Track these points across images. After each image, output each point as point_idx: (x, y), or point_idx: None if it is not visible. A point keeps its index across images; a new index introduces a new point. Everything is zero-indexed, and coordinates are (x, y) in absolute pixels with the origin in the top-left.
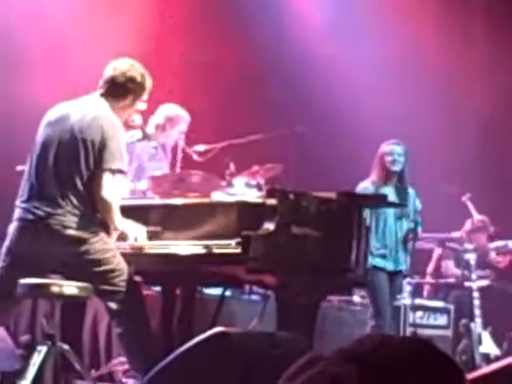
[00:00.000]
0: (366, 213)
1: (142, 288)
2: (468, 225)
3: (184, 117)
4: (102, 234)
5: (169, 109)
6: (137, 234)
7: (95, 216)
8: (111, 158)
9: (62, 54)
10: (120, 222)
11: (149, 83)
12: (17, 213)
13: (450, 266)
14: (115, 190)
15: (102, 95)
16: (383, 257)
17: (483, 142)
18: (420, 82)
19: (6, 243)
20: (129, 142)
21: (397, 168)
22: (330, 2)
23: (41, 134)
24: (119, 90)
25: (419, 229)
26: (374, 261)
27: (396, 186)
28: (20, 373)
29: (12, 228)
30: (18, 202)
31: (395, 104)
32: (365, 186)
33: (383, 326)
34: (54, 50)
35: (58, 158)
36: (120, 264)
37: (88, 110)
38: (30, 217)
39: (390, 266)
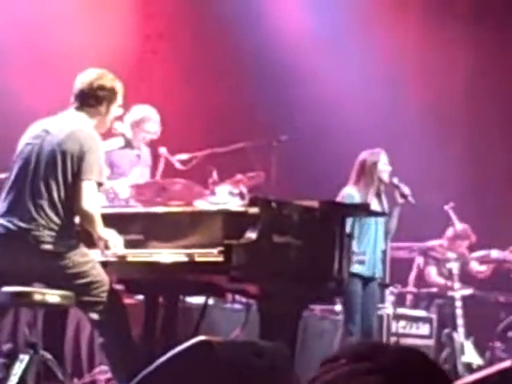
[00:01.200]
0: (349, 220)
1: (124, 297)
2: (449, 232)
3: (151, 115)
4: (80, 247)
5: (137, 109)
6: (116, 243)
7: (72, 229)
8: (90, 169)
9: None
10: (102, 231)
11: (119, 87)
12: None
13: (432, 275)
14: (95, 201)
15: (77, 109)
16: (361, 263)
17: (465, 150)
18: (403, 91)
19: None
20: (111, 149)
21: (388, 177)
22: (314, 11)
23: (20, 150)
24: (91, 101)
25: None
26: (352, 268)
27: (379, 196)
28: (2, 382)
29: None
30: None
31: (377, 112)
32: (349, 193)
33: (354, 332)
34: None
35: (36, 173)
36: (100, 275)
37: (66, 125)
38: (4, 231)
39: (366, 272)
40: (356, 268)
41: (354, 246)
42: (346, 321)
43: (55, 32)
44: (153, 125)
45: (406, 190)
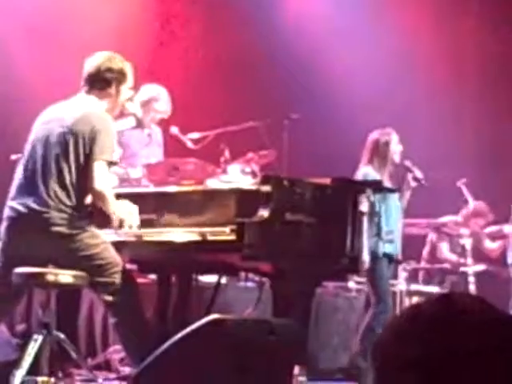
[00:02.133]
0: (374, 198)
1: (137, 276)
2: (466, 209)
3: (160, 95)
4: (91, 229)
5: (147, 89)
6: (132, 212)
7: (83, 211)
8: (101, 150)
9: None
10: (117, 209)
11: (128, 68)
12: (5, 211)
13: (444, 251)
14: (108, 180)
15: (87, 92)
16: (391, 242)
17: (479, 124)
18: (416, 74)
19: None
20: (123, 129)
21: (398, 159)
22: None
23: (32, 134)
24: (100, 83)
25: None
26: (383, 247)
27: (390, 173)
28: (16, 362)
29: (1, 228)
30: (8, 201)
31: (389, 89)
32: (366, 172)
33: (387, 311)
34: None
35: (47, 155)
36: (112, 256)
37: (77, 108)
38: (15, 215)
39: (393, 251)
40: (387, 247)
41: (383, 225)
42: (377, 302)
43: (72, 18)
44: (162, 104)
45: (419, 173)
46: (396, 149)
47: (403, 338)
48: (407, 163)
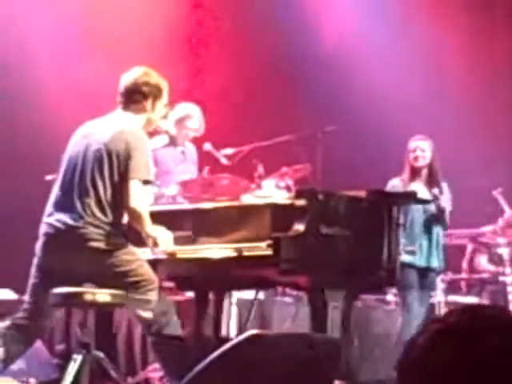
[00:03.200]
0: (399, 210)
1: (175, 294)
2: (504, 219)
3: (193, 113)
4: (127, 245)
5: (180, 107)
6: (166, 239)
7: (119, 228)
8: (137, 168)
9: None
10: (151, 229)
11: (164, 85)
12: (42, 228)
13: (482, 261)
14: (143, 199)
15: (123, 108)
16: (411, 253)
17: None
18: (446, 80)
19: (35, 259)
20: (156, 147)
21: (420, 164)
22: (357, 7)
23: (68, 151)
24: (136, 97)
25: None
26: (402, 257)
27: (426, 182)
28: (56, 382)
29: (38, 244)
30: (43, 218)
31: (422, 101)
32: (393, 184)
33: (412, 321)
34: None
35: (83, 172)
36: (147, 274)
37: (112, 125)
38: (52, 231)
39: (419, 262)
40: (405, 258)
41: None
42: (403, 311)
43: (111, 16)
44: (195, 122)
45: (445, 206)
46: (414, 155)
47: (430, 356)
48: (435, 191)
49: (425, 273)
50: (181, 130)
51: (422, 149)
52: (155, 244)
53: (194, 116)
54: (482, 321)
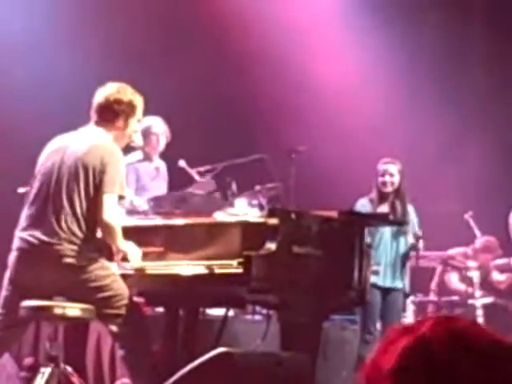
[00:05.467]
0: (370, 231)
1: (145, 309)
2: (477, 243)
3: (154, 120)
4: (101, 260)
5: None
6: (135, 255)
7: (94, 242)
8: (111, 182)
9: None
10: (122, 244)
11: (138, 101)
12: (15, 242)
13: (453, 280)
14: (116, 213)
15: (96, 123)
16: (375, 273)
17: (486, 159)
18: (417, 103)
19: (7, 273)
20: (131, 162)
21: (387, 190)
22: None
23: (40, 164)
24: (108, 114)
25: (421, 244)
26: None
27: (392, 204)
28: None
29: (11, 257)
30: (16, 231)
31: (395, 122)
32: (362, 203)
33: (371, 342)
34: None
35: (57, 186)
36: (120, 288)
37: (87, 139)
38: (26, 246)
39: (383, 282)
40: (373, 279)
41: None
42: (362, 331)
43: None
44: (158, 126)
45: (420, 244)
46: (381, 179)
47: (404, 377)
48: (418, 232)
49: (388, 293)
50: (149, 139)
51: (390, 173)
52: (125, 259)
53: (155, 122)
54: (457, 338)
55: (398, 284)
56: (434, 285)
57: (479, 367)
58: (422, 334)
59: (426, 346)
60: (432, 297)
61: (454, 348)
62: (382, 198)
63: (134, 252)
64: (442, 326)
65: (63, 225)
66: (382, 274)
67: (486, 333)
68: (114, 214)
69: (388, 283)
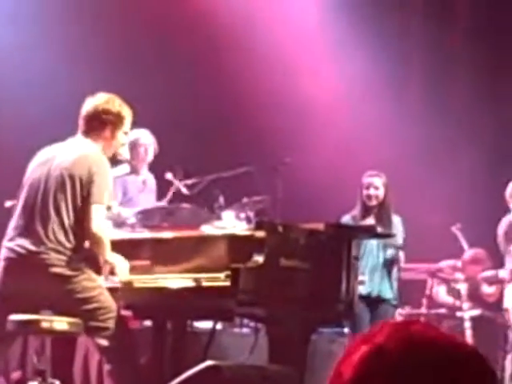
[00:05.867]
0: (357, 243)
1: (132, 322)
2: (466, 256)
3: (142, 132)
4: (88, 271)
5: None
6: (123, 268)
7: (81, 253)
8: (99, 192)
9: None
10: (110, 256)
11: (126, 113)
12: (2, 252)
13: (441, 293)
14: (104, 224)
15: (84, 133)
16: (361, 283)
17: (472, 169)
18: (405, 112)
19: None
20: (118, 175)
21: (372, 203)
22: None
23: (28, 175)
24: (95, 124)
25: (401, 255)
26: None
27: (377, 216)
28: None
29: None
30: (4, 242)
31: (382, 133)
32: (345, 221)
33: None
34: None
35: (45, 197)
36: (107, 301)
37: (73, 150)
38: (13, 255)
39: (370, 291)
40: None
41: None
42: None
43: None
44: (146, 137)
45: (400, 255)
46: (366, 192)
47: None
48: (398, 243)
49: (376, 303)
50: (136, 151)
51: (375, 186)
52: (112, 272)
53: (143, 134)
54: (413, 344)
55: (387, 294)
56: (424, 298)
57: (436, 373)
58: (378, 342)
59: (382, 354)
60: (423, 309)
61: (410, 355)
62: (367, 211)
63: (121, 265)
64: (399, 332)
65: (50, 235)
66: (368, 284)
67: (443, 337)
68: (102, 225)
69: (375, 292)
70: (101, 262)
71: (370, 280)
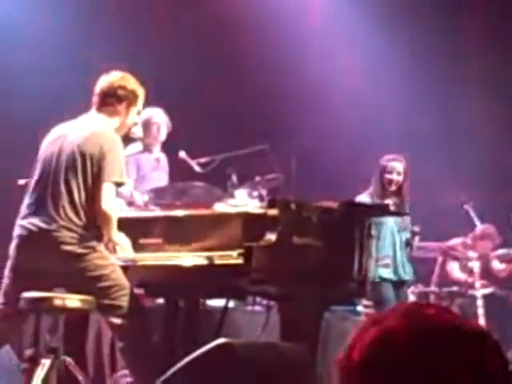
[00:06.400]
0: (371, 222)
1: (145, 300)
2: (476, 232)
3: (154, 111)
4: (101, 249)
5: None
6: (125, 247)
7: (93, 231)
8: (111, 170)
9: None
10: (115, 235)
11: (140, 92)
12: (15, 230)
13: (454, 269)
14: (114, 202)
15: (98, 109)
16: (386, 266)
17: (487, 150)
18: (421, 94)
19: (9, 261)
20: (131, 153)
21: (392, 188)
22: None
23: (41, 153)
24: (111, 99)
25: (416, 240)
26: (378, 271)
27: (394, 201)
28: None
29: (12, 246)
30: (17, 220)
31: (397, 114)
32: (362, 199)
33: None
34: None
35: (56, 174)
36: (119, 279)
37: (85, 127)
38: (25, 233)
39: (394, 276)
40: (383, 272)
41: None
42: None
43: None
44: (159, 116)
45: (416, 241)
46: (389, 177)
47: (371, 363)
48: (415, 228)
49: (399, 286)
50: (149, 129)
51: (398, 172)
52: (114, 250)
53: (156, 112)
54: (419, 328)
55: (407, 276)
56: (435, 276)
57: (440, 357)
58: (386, 326)
59: (389, 337)
60: (433, 287)
61: (419, 341)
62: (384, 194)
63: (124, 243)
64: (410, 317)
65: (61, 212)
66: (392, 268)
67: (456, 322)
68: (111, 203)
69: (400, 276)
70: (105, 240)
71: (394, 263)
